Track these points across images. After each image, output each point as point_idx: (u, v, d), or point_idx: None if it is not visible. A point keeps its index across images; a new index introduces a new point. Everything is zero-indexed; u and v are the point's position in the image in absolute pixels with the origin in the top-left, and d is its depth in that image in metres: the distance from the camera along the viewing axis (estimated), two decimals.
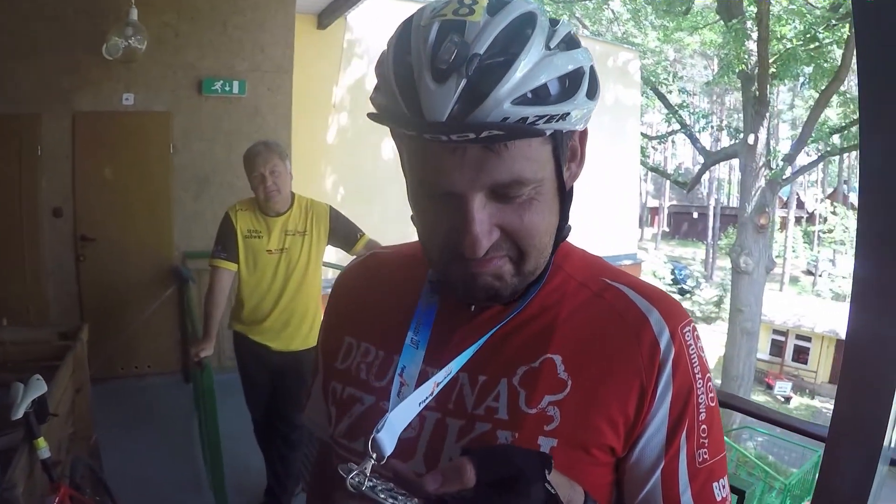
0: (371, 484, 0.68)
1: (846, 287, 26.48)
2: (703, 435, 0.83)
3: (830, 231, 29.17)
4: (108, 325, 5.38)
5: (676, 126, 16.68)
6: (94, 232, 5.43)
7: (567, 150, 0.79)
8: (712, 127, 17.12)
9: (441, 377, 0.81)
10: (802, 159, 16.37)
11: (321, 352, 1.05)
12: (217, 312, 3.34)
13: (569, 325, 0.84)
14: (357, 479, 0.67)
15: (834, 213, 28.90)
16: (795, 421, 2.81)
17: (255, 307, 3.38)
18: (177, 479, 4.13)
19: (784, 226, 30.06)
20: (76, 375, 3.55)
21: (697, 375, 0.83)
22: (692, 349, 0.84)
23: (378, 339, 0.94)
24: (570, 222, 0.85)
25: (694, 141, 16.44)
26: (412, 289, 0.94)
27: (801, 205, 34.26)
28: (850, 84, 15.03)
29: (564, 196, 0.81)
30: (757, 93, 13.00)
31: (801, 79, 14.88)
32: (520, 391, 0.81)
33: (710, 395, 0.85)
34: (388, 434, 0.75)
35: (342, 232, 3.46)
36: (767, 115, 13.77)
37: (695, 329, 0.86)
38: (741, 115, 15.54)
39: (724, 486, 0.85)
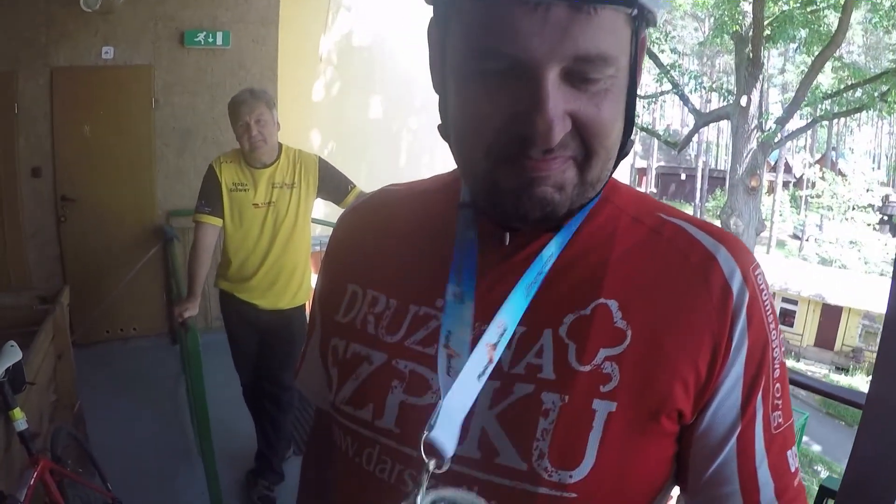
0: (433, 499, 0.56)
1: (833, 252, 26.80)
2: (778, 395, 0.72)
3: (818, 196, 29.37)
4: (92, 288, 5.26)
5: (667, 86, 16.42)
6: (74, 192, 5.26)
7: (640, 44, 0.67)
8: (703, 88, 16.98)
9: (493, 336, 0.68)
10: (793, 124, 16.29)
11: (318, 305, 0.92)
12: (202, 270, 3.20)
13: (623, 265, 0.72)
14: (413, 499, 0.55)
15: (822, 178, 29.04)
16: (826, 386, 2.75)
17: (242, 264, 3.25)
18: (165, 444, 4.04)
19: (772, 189, 30.18)
20: (57, 341, 3.40)
21: (771, 326, 0.72)
22: (765, 295, 0.72)
23: (389, 286, 0.81)
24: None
25: (685, 101, 16.19)
26: (433, 227, 0.82)
27: (788, 169, 34.40)
28: (844, 49, 14.93)
29: (632, 99, 0.67)
30: (751, 55, 12.90)
31: (795, 43, 14.74)
32: (568, 344, 0.69)
33: (782, 349, 0.73)
34: (447, 428, 0.64)
35: (332, 184, 3.31)
36: (761, 77, 13.65)
37: (763, 273, 0.74)
38: (732, 77, 15.48)
39: (796, 456, 0.75)
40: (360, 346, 0.80)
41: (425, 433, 0.62)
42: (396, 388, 0.75)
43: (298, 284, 3.34)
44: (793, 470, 0.73)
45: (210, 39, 5.49)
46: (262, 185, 3.18)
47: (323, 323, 0.90)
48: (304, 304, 3.43)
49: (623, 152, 0.70)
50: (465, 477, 0.69)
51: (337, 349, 0.83)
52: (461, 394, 0.66)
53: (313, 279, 3.33)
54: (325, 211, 3.79)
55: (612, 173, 0.72)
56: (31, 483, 2.19)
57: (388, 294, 0.81)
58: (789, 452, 0.73)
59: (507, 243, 0.75)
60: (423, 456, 0.61)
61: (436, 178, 0.90)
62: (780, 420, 0.72)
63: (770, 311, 0.72)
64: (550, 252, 0.72)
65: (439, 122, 0.74)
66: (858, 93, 14.03)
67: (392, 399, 0.75)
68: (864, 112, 15.48)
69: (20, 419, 2.27)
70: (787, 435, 0.73)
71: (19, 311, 3.58)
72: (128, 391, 4.69)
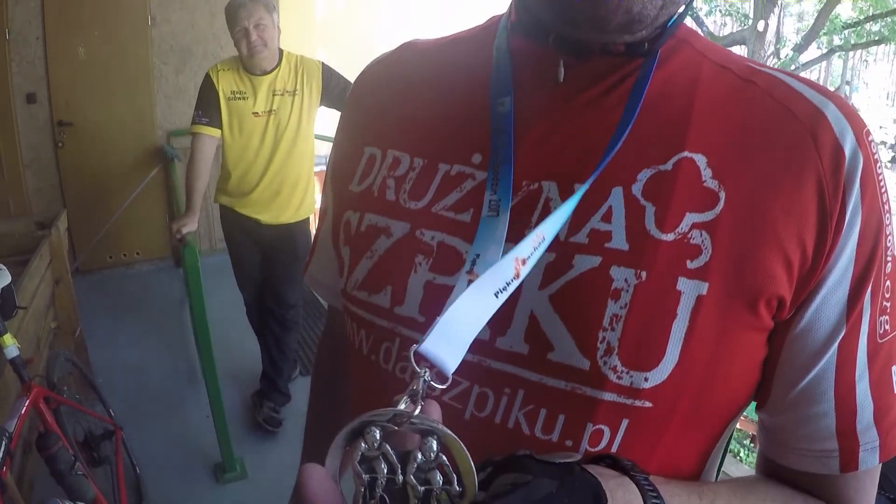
0: (420, 426, 0.43)
1: None
2: (887, 296, 0.58)
3: None
4: (93, 214, 5.15)
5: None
6: (71, 116, 5.08)
7: None
8: (719, 11, 16.60)
9: (527, 248, 0.53)
10: (808, 55, 15.87)
11: (330, 180, 0.77)
12: (200, 184, 3.05)
13: (710, 117, 0.58)
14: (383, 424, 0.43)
15: None
16: None
17: (242, 177, 3.11)
18: (169, 369, 3.98)
19: None
20: (55, 265, 3.30)
21: (886, 206, 0.57)
22: (879, 167, 0.57)
23: (414, 143, 0.67)
24: None
25: (700, 24, 15.66)
26: (467, 76, 0.68)
27: None
28: None
29: None
30: None
31: None
32: (645, 206, 0.55)
33: (893, 238, 0.59)
34: (445, 343, 0.49)
35: (337, 91, 3.13)
36: (779, 2, 13.20)
37: (875, 141, 0.58)
38: (748, 3, 15.03)
39: None
40: (377, 217, 0.66)
41: (414, 346, 0.48)
42: (421, 265, 0.61)
43: (301, 197, 3.20)
44: None
45: None
46: (262, 93, 3.02)
47: (335, 199, 0.76)
48: (308, 219, 3.30)
49: None
50: (509, 378, 0.56)
51: (350, 224, 0.69)
52: (470, 308, 0.51)
53: (318, 197, 3.19)
54: (329, 118, 3.56)
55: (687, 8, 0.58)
56: (23, 411, 2.08)
57: (412, 153, 0.67)
58: (894, 368, 0.59)
59: (562, 80, 0.60)
60: (415, 365, 0.48)
61: (467, 29, 0.76)
62: (888, 327, 0.58)
63: (884, 187, 0.58)
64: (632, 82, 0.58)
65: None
66: (877, 26, 13.63)
67: (415, 280, 0.61)
68: (883, 45, 15.12)
69: (11, 345, 2.14)
70: (894, 347, 0.59)
71: (17, 238, 3.44)
72: (132, 317, 4.62)
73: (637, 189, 0.56)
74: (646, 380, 0.53)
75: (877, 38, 13.96)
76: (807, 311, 0.56)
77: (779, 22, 14.18)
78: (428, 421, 0.43)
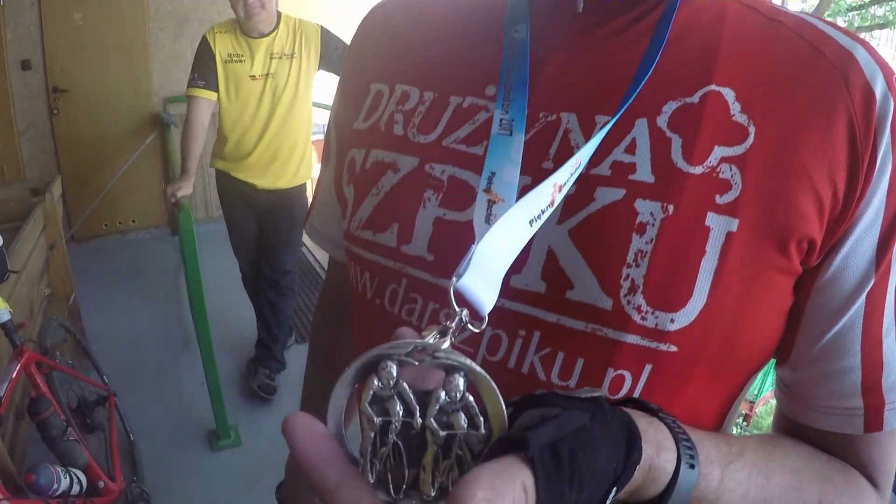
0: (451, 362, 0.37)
1: None
2: None
3: None
4: (89, 182, 5.13)
5: None
6: (66, 83, 5.03)
7: None
8: None
9: (565, 173, 0.49)
10: None
11: (334, 122, 0.73)
12: (195, 147, 3.01)
13: (738, 51, 0.54)
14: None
15: None
16: None
17: (239, 141, 3.06)
18: (164, 336, 3.96)
19: None
20: (48, 231, 3.26)
21: None
22: None
23: (425, 77, 0.63)
24: None
25: None
26: (481, 7, 0.64)
27: None
28: None
29: None
30: None
31: None
32: (671, 138, 0.52)
33: None
34: (482, 278, 0.44)
35: (336, 54, 3.07)
36: None
37: None
38: None
39: None
40: (384, 152, 0.62)
41: (453, 280, 0.43)
42: (430, 200, 0.58)
43: (299, 162, 3.15)
44: None
45: None
46: (259, 56, 2.96)
47: (338, 141, 0.72)
48: (304, 185, 3.26)
49: None
50: (524, 319, 0.53)
51: (355, 162, 0.66)
52: (505, 239, 0.46)
53: (316, 166, 3.14)
54: (325, 82, 3.50)
55: None
56: (14, 375, 2.06)
57: (421, 87, 0.63)
58: None
59: (581, 10, 0.57)
60: (454, 304, 0.42)
61: None
62: None
63: None
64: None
65: None
66: (882, 10, 13.52)
67: (424, 216, 0.58)
68: (888, 29, 15.06)
69: (2, 309, 2.10)
70: None
71: (12, 205, 3.41)
72: (127, 284, 4.60)
73: (662, 121, 0.52)
74: (672, 321, 0.50)
75: (881, 22, 13.85)
76: (836, 257, 0.53)
77: (783, 3, 14.09)
78: (454, 355, 0.37)
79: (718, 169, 0.50)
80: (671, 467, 0.43)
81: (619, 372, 0.52)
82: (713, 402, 0.59)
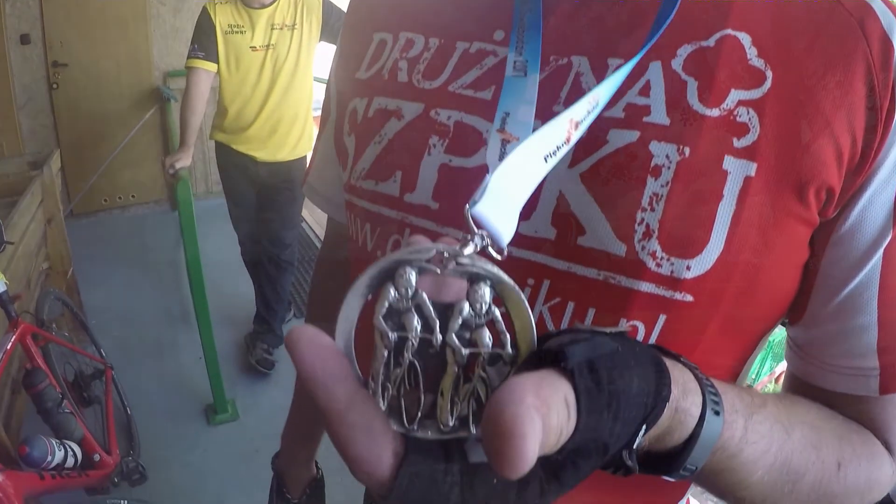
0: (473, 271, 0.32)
1: None
2: None
3: None
4: (88, 156, 5.07)
5: None
6: (66, 57, 4.97)
7: None
8: None
9: (581, 110, 0.45)
10: None
11: (334, 76, 0.71)
12: (195, 119, 2.98)
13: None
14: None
15: None
16: None
17: (239, 113, 3.02)
18: (163, 310, 3.95)
19: None
20: (46, 205, 3.24)
21: None
22: None
23: (430, 24, 0.61)
24: None
25: None
26: None
27: None
28: None
29: None
30: None
31: None
32: (687, 80, 0.50)
33: None
34: (499, 206, 0.39)
35: (338, 26, 3.02)
36: None
37: None
38: None
39: None
40: (387, 99, 0.60)
41: (467, 207, 0.39)
42: (435, 146, 0.56)
43: (299, 134, 3.12)
44: None
45: None
46: (260, 27, 2.92)
47: (339, 94, 0.69)
48: (304, 157, 3.22)
49: None
50: (533, 267, 0.51)
51: (356, 112, 0.63)
52: (519, 171, 0.42)
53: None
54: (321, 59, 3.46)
55: None
56: (9, 346, 2.04)
57: (427, 33, 0.61)
58: None
59: None
60: (473, 226, 0.37)
61: None
62: None
63: None
64: None
65: None
66: None
67: (428, 163, 0.56)
68: None
69: None
70: None
71: (10, 178, 3.37)
72: (127, 259, 4.58)
73: (677, 64, 0.51)
74: (688, 268, 0.49)
75: None
76: (853, 210, 0.51)
77: None
78: (482, 262, 0.32)
79: (736, 112, 0.48)
80: (697, 411, 0.39)
81: (632, 322, 0.50)
82: (727, 359, 0.57)
